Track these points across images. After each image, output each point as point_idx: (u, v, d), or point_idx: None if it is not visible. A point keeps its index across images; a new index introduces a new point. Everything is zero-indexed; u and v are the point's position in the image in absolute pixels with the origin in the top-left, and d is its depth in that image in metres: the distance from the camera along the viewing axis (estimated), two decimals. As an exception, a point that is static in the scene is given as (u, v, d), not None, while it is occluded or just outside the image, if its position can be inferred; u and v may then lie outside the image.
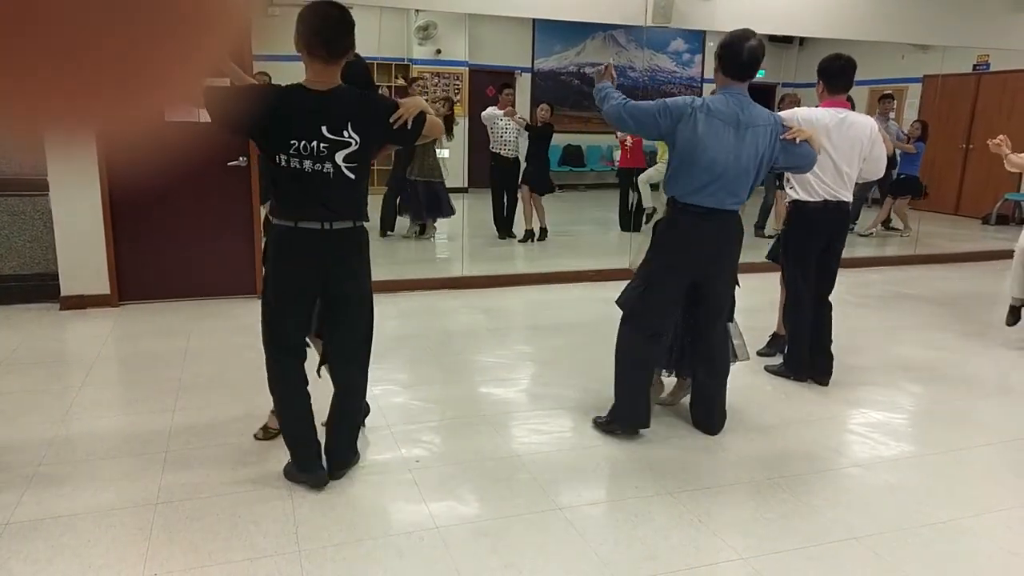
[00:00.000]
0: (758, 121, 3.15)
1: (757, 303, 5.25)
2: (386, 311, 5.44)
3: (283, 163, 2.58)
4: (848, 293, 6.55)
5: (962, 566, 2.52)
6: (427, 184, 7.69)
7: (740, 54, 3.12)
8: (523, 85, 11.81)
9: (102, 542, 2.47)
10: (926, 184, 9.04)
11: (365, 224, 2.79)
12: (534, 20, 11.22)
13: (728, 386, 3.90)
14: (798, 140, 3.21)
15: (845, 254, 7.68)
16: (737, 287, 3.53)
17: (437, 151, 7.89)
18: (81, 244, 5.08)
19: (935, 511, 2.85)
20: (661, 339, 3.38)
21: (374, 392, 3.83)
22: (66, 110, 0.36)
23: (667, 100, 3.17)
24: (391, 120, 2.68)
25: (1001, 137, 4.66)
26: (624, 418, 3.40)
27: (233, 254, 5.45)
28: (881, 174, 4.25)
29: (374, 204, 7.85)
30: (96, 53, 0.35)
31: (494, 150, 8.04)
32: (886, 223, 9.19)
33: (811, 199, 3.97)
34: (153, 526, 2.57)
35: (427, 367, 4.33)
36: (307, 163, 2.57)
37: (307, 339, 2.93)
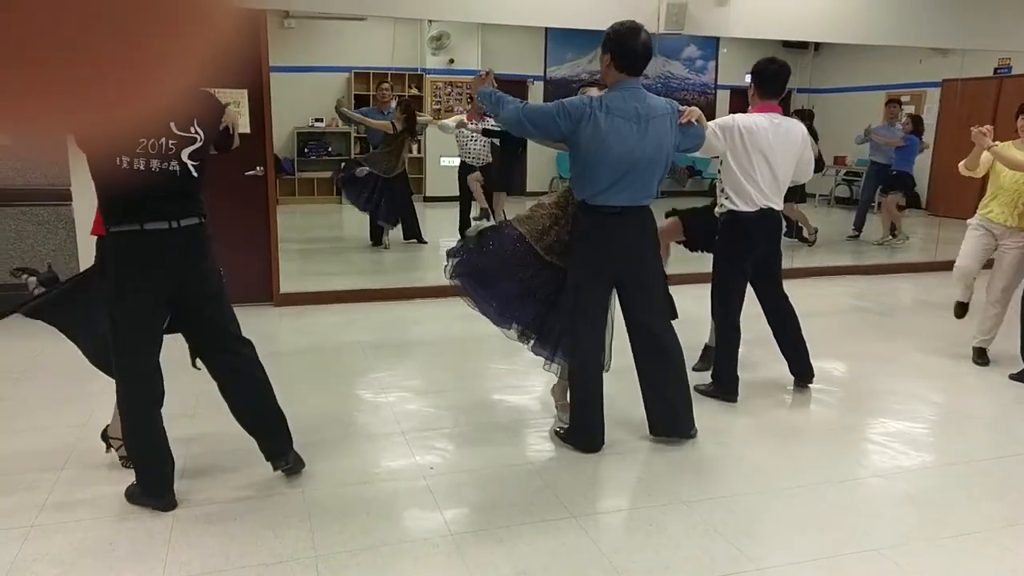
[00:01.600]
0: (657, 112, 3.12)
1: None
2: (399, 318, 5.48)
3: (125, 165, 2.45)
4: (866, 300, 6.50)
5: (982, 576, 2.49)
6: (376, 179, 7.59)
7: (635, 48, 3.07)
8: (536, 93, 11.84)
9: (123, 546, 2.50)
10: (926, 184, 8.96)
11: (208, 221, 2.71)
12: (546, 29, 11.24)
13: (742, 397, 3.88)
14: (693, 121, 3.24)
15: (870, 260, 7.63)
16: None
17: (444, 160, 7.93)
18: (101, 253, 5.14)
19: (957, 523, 2.81)
20: (599, 330, 3.32)
21: (388, 399, 3.85)
22: (54, 113, 0.37)
23: (563, 101, 3.10)
24: (221, 124, 2.71)
25: (987, 127, 4.45)
26: (583, 437, 3.33)
27: (249, 262, 5.49)
28: (810, 177, 4.12)
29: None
30: (80, 56, 0.35)
31: (462, 158, 7.92)
32: (893, 231, 9.11)
33: (748, 208, 3.75)
34: (172, 530, 2.59)
35: (441, 374, 4.35)
36: (154, 162, 2.48)
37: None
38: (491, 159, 7.82)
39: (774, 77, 3.78)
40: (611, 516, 2.81)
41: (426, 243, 8.04)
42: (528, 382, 4.26)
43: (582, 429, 3.32)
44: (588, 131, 3.03)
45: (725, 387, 3.93)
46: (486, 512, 2.81)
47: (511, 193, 7.97)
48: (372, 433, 3.41)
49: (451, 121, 7.74)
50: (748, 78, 3.88)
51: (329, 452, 3.19)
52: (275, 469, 2.92)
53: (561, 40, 11.97)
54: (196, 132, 2.57)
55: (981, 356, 4.75)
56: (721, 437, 3.48)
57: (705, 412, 3.62)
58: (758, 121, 3.71)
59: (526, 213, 3.50)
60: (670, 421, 3.37)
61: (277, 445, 2.91)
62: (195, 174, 2.60)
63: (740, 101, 11.59)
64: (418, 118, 7.73)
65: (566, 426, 3.40)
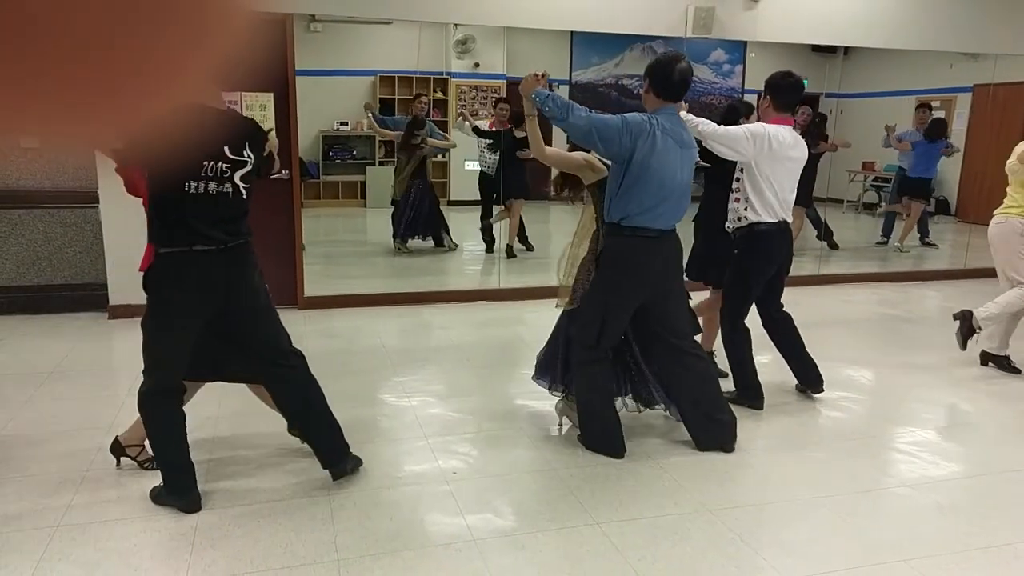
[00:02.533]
0: (692, 143, 3.24)
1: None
2: (423, 322, 5.48)
3: (192, 189, 2.55)
4: (893, 307, 6.41)
5: (1016, 591, 2.43)
6: (409, 203, 7.65)
7: (672, 75, 3.12)
8: (562, 95, 11.81)
9: (147, 547, 2.52)
10: (956, 190, 8.80)
11: (251, 240, 2.81)
12: (572, 32, 11.23)
13: (769, 404, 3.84)
14: None
15: (899, 268, 7.53)
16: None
17: (468, 164, 7.90)
18: (129, 255, 5.17)
19: (988, 534, 2.75)
20: (606, 361, 3.31)
21: (411, 403, 3.85)
22: (79, 111, 0.37)
23: (626, 116, 3.09)
24: (265, 150, 2.83)
25: None
26: (602, 451, 3.32)
27: (275, 265, 5.51)
28: None
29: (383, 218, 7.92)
30: (97, 60, 0.35)
31: (481, 167, 7.91)
32: (924, 240, 8.96)
33: (770, 219, 3.72)
34: (196, 532, 2.61)
35: (464, 379, 4.34)
36: (212, 184, 2.59)
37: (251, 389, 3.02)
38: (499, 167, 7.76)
39: (791, 91, 3.77)
40: (636, 523, 2.78)
41: (455, 248, 8.06)
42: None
43: (607, 445, 3.32)
44: (645, 147, 3.04)
45: (750, 393, 3.89)
46: (509, 518, 2.80)
47: (528, 198, 7.90)
48: (395, 437, 3.41)
49: (468, 123, 7.71)
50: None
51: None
52: (333, 478, 2.93)
53: (586, 44, 11.95)
54: (247, 155, 2.67)
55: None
56: (747, 445, 3.44)
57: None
58: (783, 133, 3.69)
59: (567, 289, 3.49)
60: (713, 433, 3.37)
61: (332, 454, 2.94)
62: (244, 196, 2.70)
63: (766, 105, 11.51)
64: (428, 142, 7.64)
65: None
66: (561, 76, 11.93)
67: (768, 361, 4.26)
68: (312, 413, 2.92)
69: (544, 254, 8.00)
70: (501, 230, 7.87)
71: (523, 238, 7.94)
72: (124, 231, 5.16)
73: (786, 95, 3.77)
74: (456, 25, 10.21)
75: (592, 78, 12.27)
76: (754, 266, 3.81)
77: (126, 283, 5.22)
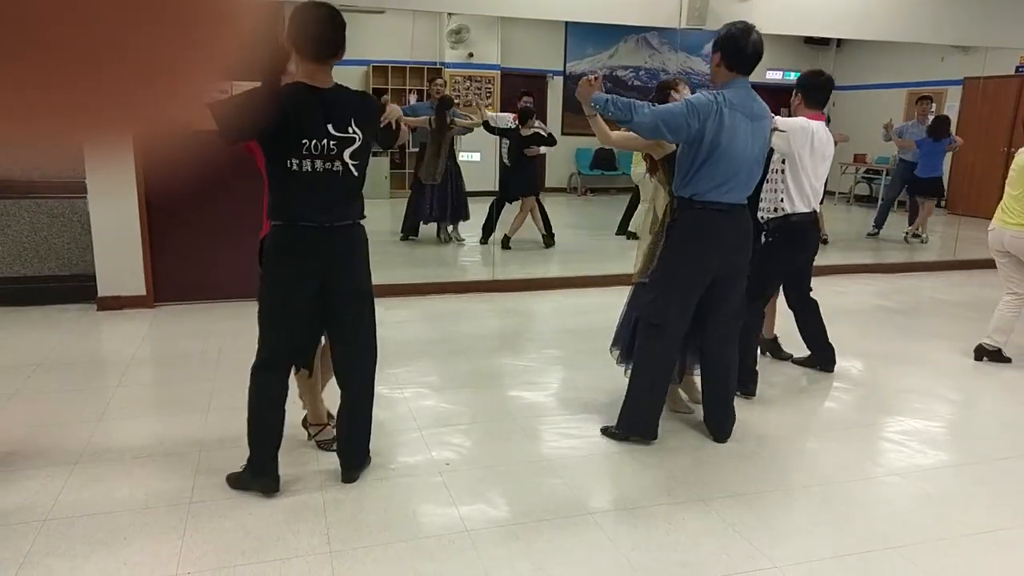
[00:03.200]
0: (764, 113, 3.18)
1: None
2: (417, 314, 5.47)
3: (295, 167, 2.55)
4: (885, 298, 6.43)
5: (1005, 580, 2.45)
6: (430, 187, 7.62)
7: (745, 48, 3.09)
8: (555, 88, 11.80)
9: (137, 540, 2.50)
10: (946, 187, 8.86)
11: (362, 221, 2.78)
12: (566, 23, 11.20)
13: (760, 394, 3.86)
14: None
15: (890, 259, 7.59)
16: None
17: (463, 155, 7.84)
18: (118, 246, 5.17)
19: (976, 522, 2.77)
20: (674, 334, 3.26)
21: (404, 394, 3.84)
22: (95, 114, 0.36)
23: (690, 99, 3.07)
24: (381, 120, 2.75)
25: None
26: (638, 430, 3.33)
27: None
28: None
29: (398, 208, 7.89)
30: (120, 57, 0.35)
31: (504, 160, 7.90)
32: (915, 232, 9.02)
33: (804, 209, 3.91)
34: (186, 525, 2.59)
35: (457, 370, 4.34)
36: (318, 163, 2.56)
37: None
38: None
39: (823, 88, 3.96)
40: (629, 513, 2.78)
41: (462, 241, 8.03)
42: (545, 379, 4.24)
43: (643, 424, 3.33)
44: (713, 127, 3.03)
45: (743, 377, 3.87)
46: (502, 509, 2.80)
47: (536, 195, 7.86)
48: (388, 429, 3.40)
49: (497, 115, 7.68)
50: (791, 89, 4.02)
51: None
52: (343, 480, 2.91)
53: (581, 35, 11.92)
54: (354, 132, 2.61)
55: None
56: (739, 435, 3.45)
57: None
58: (815, 125, 3.88)
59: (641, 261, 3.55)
60: (720, 425, 3.41)
61: (350, 459, 2.94)
62: (356, 174, 2.66)
63: (762, 97, 11.54)
64: (457, 122, 7.56)
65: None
66: (555, 67, 11.91)
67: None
68: (351, 416, 2.90)
69: (539, 247, 7.99)
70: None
71: (548, 230, 7.92)
72: (112, 222, 5.13)
73: (819, 92, 3.95)
74: (450, 15, 10.16)
75: (586, 69, 12.24)
76: (787, 254, 4.01)
77: (115, 275, 5.19)
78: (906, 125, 8.88)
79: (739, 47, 3.09)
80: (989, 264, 7.83)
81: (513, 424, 3.54)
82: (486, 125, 7.52)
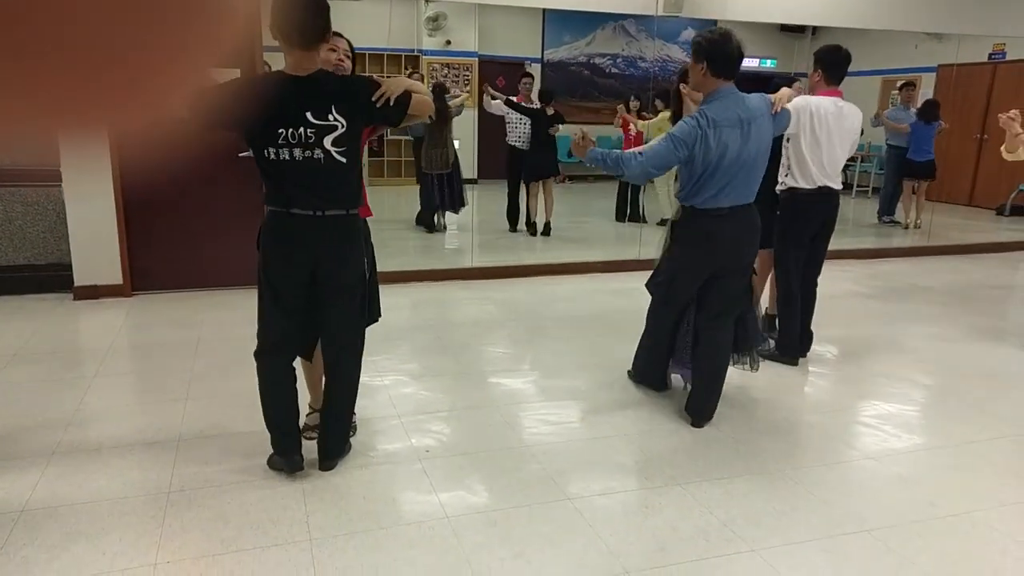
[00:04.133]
0: (757, 112, 3.24)
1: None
2: (396, 302, 5.46)
3: (272, 155, 2.55)
4: (860, 284, 6.51)
5: (976, 560, 2.51)
6: (439, 176, 7.65)
7: (731, 52, 3.17)
8: (533, 75, 11.76)
9: (116, 529, 2.49)
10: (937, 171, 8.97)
11: (357, 212, 2.77)
12: (544, 10, 11.17)
13: (738, 377, 3.91)
14: (779, 109, 3.37)
15: (858, 245, 7.68)
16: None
17: (455, 142, 7.82)
18: (94, 234, 5.11)
19: (948, 504, 2.83)
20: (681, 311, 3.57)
21: (384, 382, 3.85)
22: (76, 107, 0.36)
23: (674, 133, 3.20)
24: (373, 99, 2.63)
25: (1014, 112, 4.56)
26: (646, 379, 3.78)
27: (245, 244, 5.44)
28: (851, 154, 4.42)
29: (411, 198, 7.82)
30: (103, 49, 0.35)
31: (510, 143, 7.85)
32: (887, 217, 9.15)
33: (807, 186, 4.09)
34: (166, 514, 2.59)
35: (437, 358, 4.34)
36: (296, 151, 2.55)
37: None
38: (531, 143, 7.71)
39: (842, 63, 4.06)
40: (607, 498, 2.81)
41: (444, 229, 8.04)
42: (524, 366, 4.26)
43: (652, 375, 3.78)
44: (701, 151, 3.17)
45: (787, 350, 4.30)
46: (482, 495, 2.81)
47: (558, 175, 7.92)
48: (368, 416, 3.40)
49: (497, 101, 7.61)
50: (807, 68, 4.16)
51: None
52: (320, 468, 2.91)
53: (558, 22, 11.89)
54: (335, 119, 2.57)
55: None
56: (716, 420, 3.49)
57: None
58: (825, 104, 4.01)
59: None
60: (699, 409, 3.47)
61: (324, 450, 2.93)
62: (342, 159, 2.61)
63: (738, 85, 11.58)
64: (450, 103, 7.54)
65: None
66: (533, 55, 11.88)
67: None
68: (330, 410, 2.92)
69: (520, 234, 8.00)
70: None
71: (516, 217, 7.94)
72: (88, 210, 5.07)
73: (837, 67, 4.06)
74: (427, 2, 10.09)
75: (564, 56, 12.23)
76: (794, 226, 4.22)
77: (91, 263, 5.13)
78: (892, 111, 8.97)
79: (725, 52, 3.17)
80: (963, 250, 7.99)
81: (492, 411, 3.56)
82: (510, 103, 7.49)
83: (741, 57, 3.20)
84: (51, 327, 4.67)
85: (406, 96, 2.69)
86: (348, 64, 2.97)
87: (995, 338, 5.00)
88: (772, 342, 4.39)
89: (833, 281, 6.56)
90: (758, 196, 4.40)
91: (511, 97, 7.66)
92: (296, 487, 2.79)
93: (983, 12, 7.40)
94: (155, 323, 4.79)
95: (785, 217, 4.22)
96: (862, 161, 10.45)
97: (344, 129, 2.59)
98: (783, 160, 4.15)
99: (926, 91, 10.39)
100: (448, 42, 10.55)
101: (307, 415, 3.20)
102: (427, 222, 7.93)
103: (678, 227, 3.45)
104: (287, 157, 2.55)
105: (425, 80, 10.47)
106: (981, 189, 10.58)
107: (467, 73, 10.84)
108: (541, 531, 2.57)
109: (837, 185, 4.17)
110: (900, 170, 8.91)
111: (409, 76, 7.82)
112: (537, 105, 7.60)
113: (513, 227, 7.99)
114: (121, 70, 0.36)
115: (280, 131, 2.53)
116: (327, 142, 2.57)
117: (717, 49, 3.17)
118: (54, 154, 4.95)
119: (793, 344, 4.30)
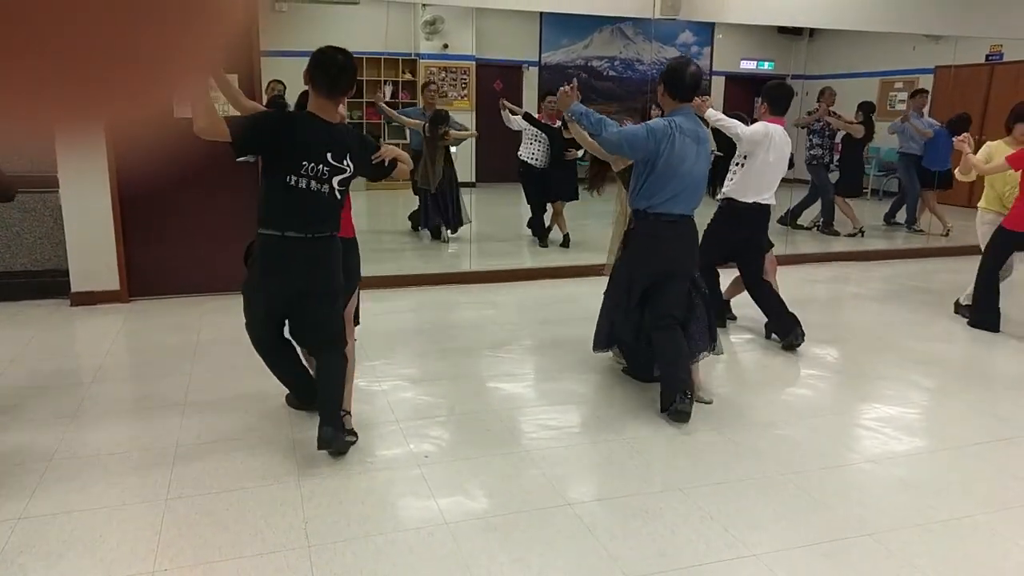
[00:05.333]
0: (707, 138, 3.64)
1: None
2: (394, 306, 5.45)
3: (292, 182, 2.91)
4: (859, 286, 6.51)
5: (977, 563, 2.49)
6: (435, 194, 7.58)
7: (685, 79, 3.52)
8: (530, 79, 11.77)
9: (113, 537, 2.48)
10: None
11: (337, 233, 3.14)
12: (541, 14, 11.17)
13: (737, 381, 3.90)
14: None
15: (857, 247, 7.67)
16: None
17: (452, 151, 7.75)
18: (91, 240, 5.10)
19: (950, 507, 2.82)
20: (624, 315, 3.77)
21: (383, 387, 3.83)
22: (73, 103, 0.36)
23: (649, 124, 3.52)
24: (372, 158, 3.13)
25: (964, 135, 4.95)
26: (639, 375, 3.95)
27: (242, 249, 5.44)
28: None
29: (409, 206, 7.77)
30: (101, 49, 0.35)
31: (522, 157, 7.72)
32: (910, 223, 9.12)
33: (747, 200, 4.50)
34: (163, 521, 2.57)
35: (435, 362, 4.33)
36: (312, 183, 2.93)
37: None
38: (548, 163, 7.58)
39: (785, 98, 4.59)
40: (606, 503, 2.80)
41: (448, 240, 7.99)
42: (523, 370, 4.25)
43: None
44: (667, 149, 3.46)
45: (789, 326, 4.55)
46: (481, 500, 2.80)
47: (577, 199, 7.72)
48: (367, 422, 3.39)
49: (517, 117, 7.50)
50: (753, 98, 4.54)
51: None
52: (318, 447, 2.99)
53: (556, 25, 11.89)
54: (347, 165, 3.01)
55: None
56: (715, 423, 3.48)
57: (712, 402, 3.61)
58: (780, 131, 4.49)
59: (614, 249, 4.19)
60: (669, 405, 3.52)
61: (322, 418, 3.01)
62: (339, 196, 3.03)
63: (735, 88, 11.56)
64: (452, 133, 7.43)
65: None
66: (531, 58, 11.88)
67: (734, 343, 4.31)
68: (320, 391, 3.12)
69: (517, 238, 7.99)
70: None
71: (543, 233, 7.87)
72: (85, 216, 5.06)
73: (782, 102, 4.58)
74: (425, 5, 10.08)
75: (561, 59, 12.23)
76: (722, 230, 4.60)
77: (88, 269, 5.12)
78: (913, 118, 8.89)
79: (680, 78, 3.53)
80: (962, 251, 7.98)
81: (491, 416, 3.55)
82: (528, 118, 7.44)
83: (695, 84, 3.56)
84: (48, 333, 4.65)
85: (394, 162, 3.22)
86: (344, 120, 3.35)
87: (995, 340, 4.99)
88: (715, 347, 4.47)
89: (833, 283, 6.56)
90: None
91: (531, 114, 7.60)
92: (294, 493, 2.77)
93: (980, 14, 7.41)
94: (152, 329, 4.77)
95: (719, 221, 4.62)
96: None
97: (350, 173, 3.04)
98: (731, 175, 4.56)
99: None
100: (445, 46, 10.55)
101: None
102: (417, 222, 7.81)
103: (631, 235, 3.74)
104: (304, 186, 2.92)
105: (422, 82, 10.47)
106: (980, 191, 10.57)
107: (464, 77, 10.84)
108: (540, 536, 2.55)
109: (771, 201, 4.60)
110: (922, 179, 8.83)
111: (424, 91, 7.81)
112: (557, 125, 7.53)
113: (543, 242, 7.80)
114: (119, 70, 0.36)
115: (304, 163, 2.91)
116: (335, 181, 2.99)
117: (673, 74, 3.54)
118: (50, 155, 4.94)
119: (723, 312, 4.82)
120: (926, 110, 9.02)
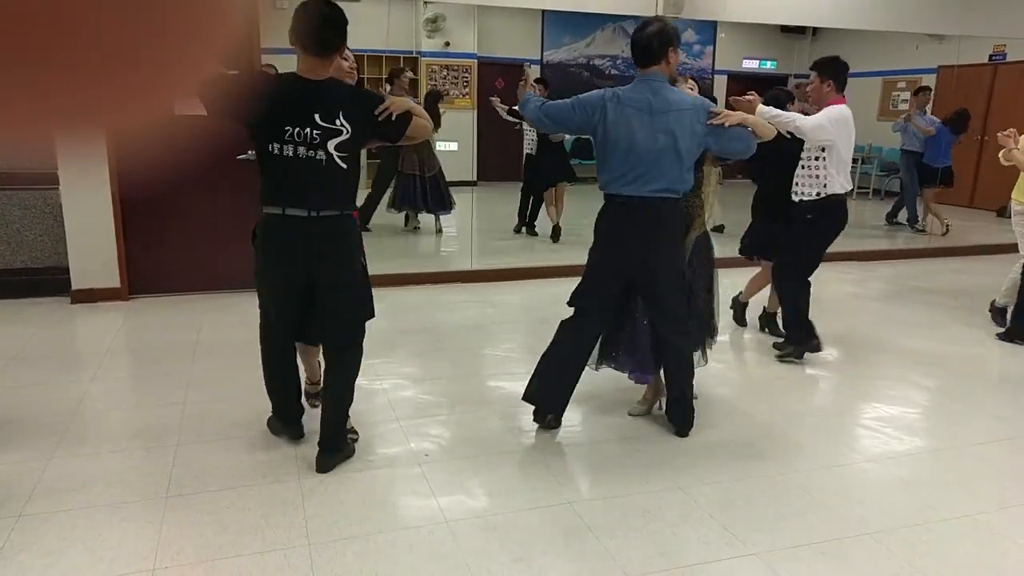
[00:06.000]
0: (674, 106, 3.11)
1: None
2: (394, 305, 5.45)
3: (276, 151, 2.65)
4: (860, 286, 6.50)
5: (977, 562, 2.49)
6: (420, 178, 7.58)
7: (634, 43, 3.18)
8: (532, 77, 11.77)
9: (113, 535, 2.48)
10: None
11: (351, 213, 2.85)
12: (543, 12, 11.17)
13: (737, 380, 3.89)
14: (727, 125, 3.13)
15: (859, 247, 7.66)
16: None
17: (440, 145, 7.74)
18: (91, 238, 5.10)
19: (950, 506, 2.82)
20: (589, 323, 3.34)
21: (383, 386, 3.83)
22: (74, 107, 0.36)
23: (580, 96, 3.22)
24: (376, 112, 2.75)
25: (1011, 130, 4.75)
26: (534, 399, 3.39)
27: (242, 247, 5.42)
28: None
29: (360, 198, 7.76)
30: (101, 48, 0.35)
31: (525, 150, 7.77)
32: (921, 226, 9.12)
33: (842, 191, 4.18)
34: (164, 519, 2.57)
35: (436, 361, 4.33)
36: (300, 149, 2.65)
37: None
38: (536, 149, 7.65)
39: (845, 71, 4.24)
40: (607, 502, 2.80)
41: (417, 229, 7.99)
42: (523, 369, 4.24)
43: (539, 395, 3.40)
44: (601, 122, 3.14)
45: (804, 337, 4.36)
46: (481, 499, 2.80)
47: (572, 180, 7.81)
48: (367, 420, 3.39)
49: (502, 108, 7.61)
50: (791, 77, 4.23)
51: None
52: (316, 469, 2.91)
53: (558, 23, 11.89)
54: (342, 125, 2.67)
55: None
56: (715, 422, 3.48)
57: (699, 399, 3.60)
58: (849, 113, 4.18)
59: None
60: (681, 420, 3.38)
61: (323, 446, 2.93)
62: (343, 165, 2.70)
63: (737, 86, 11.53)
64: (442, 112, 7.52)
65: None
66: (533, 56, 11.87)
67: (739, 340, 4.30)
68: (328, 403, 2.97)
69: (519, 236, 7.99)
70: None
71: (532, 223, 7.88)
72: (85, 214, 5.05)
73: (844, 76, 4.22)
74: (426, 3, 10.08)
75: (563, 58, 12.22)
76: (826, 233, 4.33)
77: (88, 267, 5.12)
78: (916, 117, 8.89)
79: (634, 43, 3.18)
80: (964, 252, 7.97)
81: (492, 414, 3.54)
82: (511, 112, 7.46)
83: (637, 46, 3.15)
84: (48, 331, 4.66)
85: (407, 116, 2.82)
86: (355, 75, 3.05)
87: (996, 340, 4.98)
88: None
89: (834, 283, 6.55)
90: (764, 208, 4.51)
91: (515, 107, 7.64)
92: (294, 492, 2.77)
93: (984, 13, 7.39)
94: (153, 327, 4.77)
95: (823, 222, 4.26)
96: (862, 163, 10.42)
97: (348, 135, 2.69)
98: (813, 171, 4.17)
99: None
100: (447, 43, 10.55)
101: (309, 386, 3.32)
102: (368, 216, 7.68)
103: (597, 220, 3.31)
104: (291, 154, 2.64)
105: (423, 82, 10.46)
106: (982, 191, 10.58)
107: (466, 75, 10.83)
108: (541, 535, 2.55)
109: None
110: (922, 176, 8.82)
111: (400, 80, 7.80)
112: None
113: (518, 229, 7.90)
114: (120, 71, 0.35)
115: (287, 128, 2.62)
116: (331, 145, 2.67)
117: (631, 41, 3.23)
118: (51, 157, 4.94)
119: (811, 330, 4.44)
120: (928, 107, 9.00)
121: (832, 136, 4.06)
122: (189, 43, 0.37)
